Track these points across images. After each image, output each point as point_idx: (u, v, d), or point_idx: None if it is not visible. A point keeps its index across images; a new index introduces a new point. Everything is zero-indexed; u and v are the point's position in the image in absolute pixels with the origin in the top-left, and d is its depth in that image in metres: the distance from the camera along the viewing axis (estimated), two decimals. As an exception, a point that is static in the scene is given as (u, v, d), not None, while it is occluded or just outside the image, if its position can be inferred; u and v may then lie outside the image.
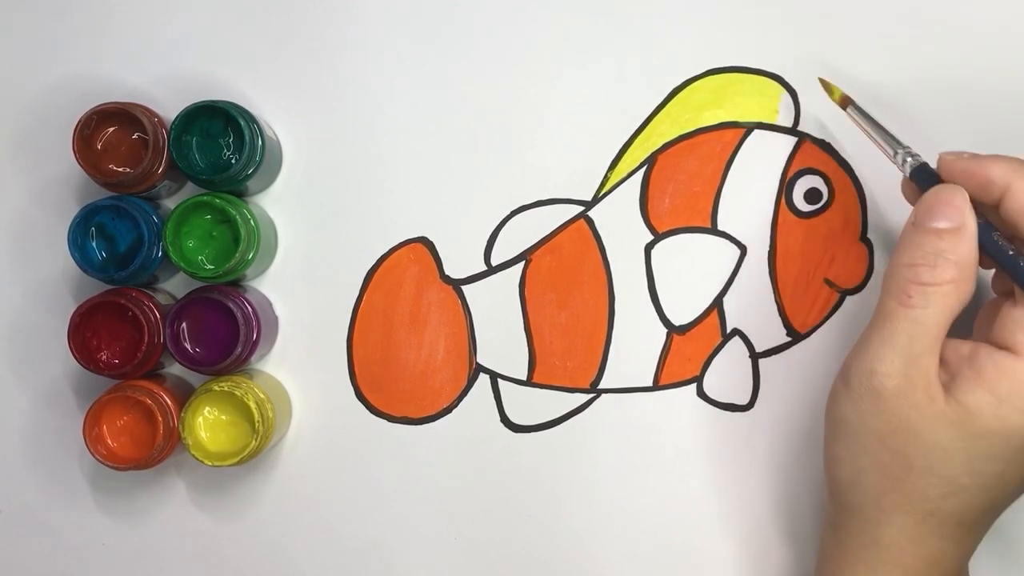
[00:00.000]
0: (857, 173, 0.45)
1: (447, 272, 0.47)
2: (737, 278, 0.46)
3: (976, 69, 0.45)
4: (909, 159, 0.39)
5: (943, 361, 0.36)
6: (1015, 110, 0.45)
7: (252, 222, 0.45)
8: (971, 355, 0.35)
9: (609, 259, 0.47)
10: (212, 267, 0.44)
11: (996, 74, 0.45)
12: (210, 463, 0.44)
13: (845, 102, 0.42)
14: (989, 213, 0.37)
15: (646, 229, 0.47)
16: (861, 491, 0.37)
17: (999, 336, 0.35)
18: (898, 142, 0.40)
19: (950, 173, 0.37)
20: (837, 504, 0.39)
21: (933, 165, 0.39)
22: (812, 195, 0.46)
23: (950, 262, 0.35)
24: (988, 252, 0.35)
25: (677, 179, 0.46)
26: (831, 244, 0.46)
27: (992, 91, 0.45)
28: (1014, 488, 0.37)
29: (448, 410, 0.47)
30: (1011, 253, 0.35)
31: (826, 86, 0.44)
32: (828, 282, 0.46)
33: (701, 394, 0.46)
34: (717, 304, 0.46)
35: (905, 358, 0.35)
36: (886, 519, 0.37)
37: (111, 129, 0.45)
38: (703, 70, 0.46)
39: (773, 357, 0.46)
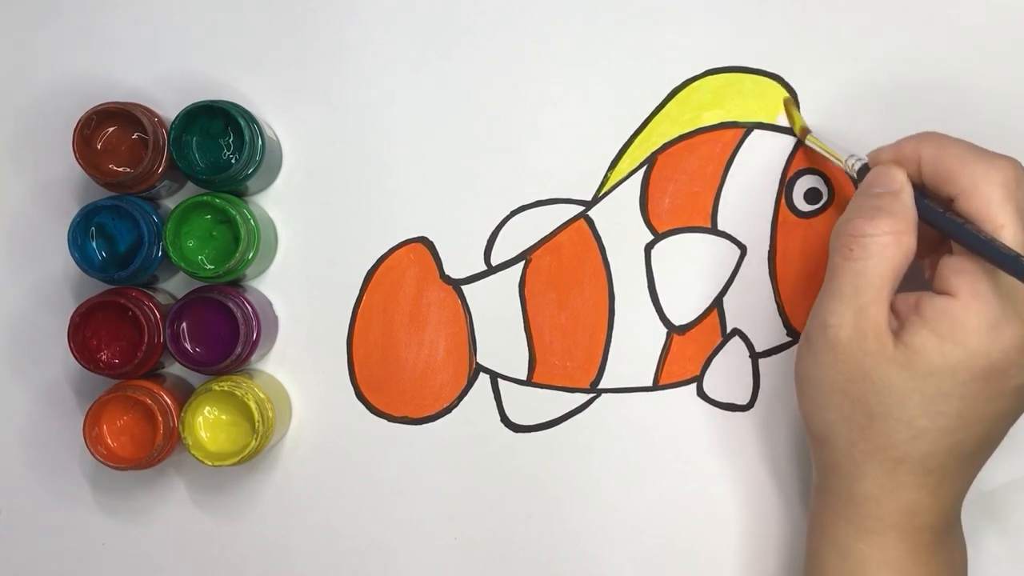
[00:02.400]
0: (857, 173, 0.46)
1: (447, 272, 0.47)
2: (737, 278, 0.46)
3: (976, 68, 0.45)
4: (857, 162, 0.41)
5: (895, 313, 0.38)
6: (1014, 108, 0.45)
7: (252, 222, 0.45)
8: (916, 303, 0.37)
9: (609, 259, 0.47)
10: (212, 267, 0.44)
11: (995, 73, 0.45)
12: (210, 463, 0.44)
13: (804, 133, 0.45)
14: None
15: (646, 229, 0.47)
16: (833, 446, 0.39)
17: (938, 283, 0.37)
18: (848, 152, 0.42)
19: (878, 161, 0.40)
20: (818, 465, 0.41)
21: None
22: (812, 195, 0.46)
23: (887, 213, 0.37)
24: (923, 216, 0.38)
25: (677, 179, 0.46)
26: (831, 244, 0.46)
27: (991, 90, 0.45)
28: (980, 431, 0.37)
29: (448, 410, 0.47)
30: (941, 211, 0.37)
31: (790, 115, 0.45)
32: (828, 282, 0.46)
33: (701, 394, 0.47)
34: (717, 304, 0.46)
35: (854, 309, 0.37)
36: (860, 472, 0.38)
37: (111, 129, 0.45)
38: (703, 70, 0.46)
39: (773, 357, 0.46)
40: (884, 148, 0.40)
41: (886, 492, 0.38)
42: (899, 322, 0.37)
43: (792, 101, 0.46)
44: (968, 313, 0.36)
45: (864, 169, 0.40)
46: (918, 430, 0.37)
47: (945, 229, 0.37)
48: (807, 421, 0.40)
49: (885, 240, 0.37)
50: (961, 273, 0.36)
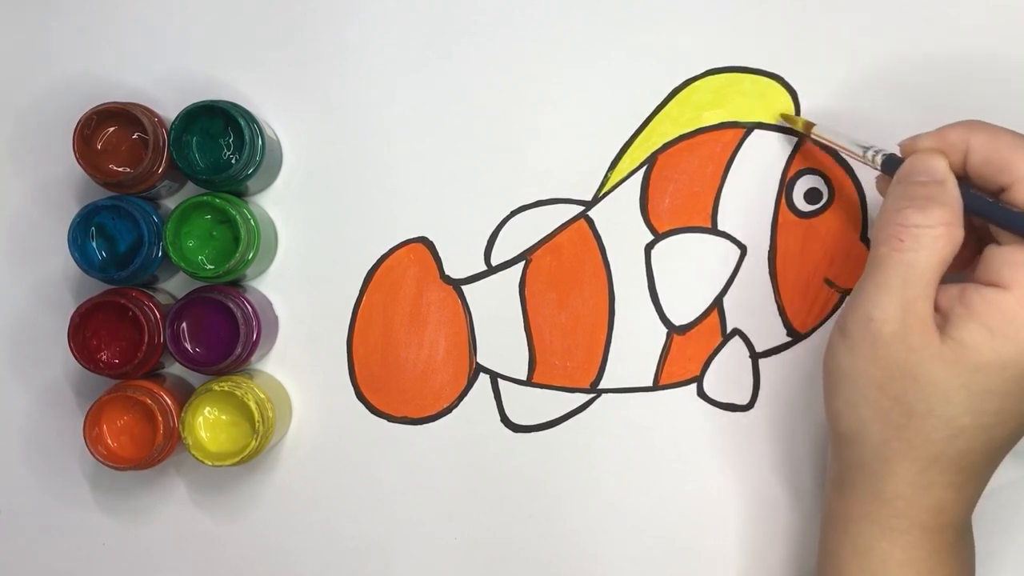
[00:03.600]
0: (857, 173, 0.45)
1: (447, 272, 0.47)
2: (737, 278, 0.46)
3: (976, 68, 0.45)
4: (879, 155, 0.40)
5: (936, 306, 0.36)
6: (1014, 108, 0.45)
7: (252, 222, 0.45)
8: (960, 295, 0.36)
9: (609, 259, 0.47)
10: (212, 267, 0.44)
11: (995, 73, 0.45)
12: (210, 463, 0.44)
13: (808, 128, 0.44)
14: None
15: (646, 229, 0.47)
16: (864, 443, 0.37)
17: (985, 274, 0.36)
18: (865, 145, 0.41)
19: (915, 149, 0.38)
20: (841, 461, 0.39)
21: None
22: (812, 195, 0.46)
23: (939, 203, 0.36)
24: (969, 206, 0.36)
25: (677, 179, 0.46)
26: (831, 244, 0.46)
27: (991, 90, 0.45)
28: (1013, 427, 0.36)
29: (448, 410, 0.47)
30: (990, 200, 0.36)
31: (789, 120, 0.45)
32: (828, 282, 0.46)
33: (701, 394, 0.46)
34: (717, 304, 0.46)
35: (901, 303, 0.36)
36: (890, 470, 0.37)
37: (111, 129, 0.45)
38: (703, 70, 0.46)
39: (773, 357, 0.46)
40: (922, 136, 0.38)
41: (916, 491, 0.37)
42: (941, 316, 0.36)
43: (786, 114, 0.45)
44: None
45: (892, 160, 0.39)
46: (959, 428, 0.35)
47: (998, 219, 0.36)
48: (834, 418, 0.38)
49: (938, 231, 0.35)
50: (1016, 265, 0.35)
